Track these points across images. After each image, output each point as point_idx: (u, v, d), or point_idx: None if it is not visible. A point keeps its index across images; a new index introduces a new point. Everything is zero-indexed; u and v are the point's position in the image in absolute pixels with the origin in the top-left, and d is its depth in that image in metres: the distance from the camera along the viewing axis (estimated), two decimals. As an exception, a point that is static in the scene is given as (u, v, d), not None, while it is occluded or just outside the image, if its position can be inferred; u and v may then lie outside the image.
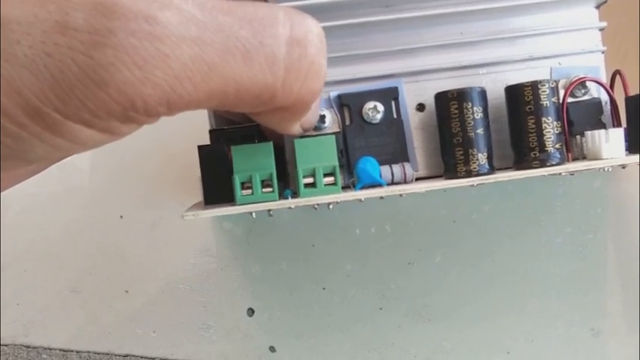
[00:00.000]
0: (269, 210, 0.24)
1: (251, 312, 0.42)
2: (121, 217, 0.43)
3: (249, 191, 0.24)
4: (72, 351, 0.43)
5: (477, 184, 0.24)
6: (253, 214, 0.24)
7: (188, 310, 0.42)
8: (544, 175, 0.27)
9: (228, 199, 0.25)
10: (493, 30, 0.27)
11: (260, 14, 0.18)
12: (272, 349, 0.41)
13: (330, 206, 0.24)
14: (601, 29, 0.28)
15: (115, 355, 0.42)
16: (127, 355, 0.43)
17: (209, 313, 0.42)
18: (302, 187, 0.24)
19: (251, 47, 0.18)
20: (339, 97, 0.26)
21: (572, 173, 0.26)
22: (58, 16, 0.16)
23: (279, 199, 0.24)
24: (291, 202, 0.24)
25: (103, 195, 0.43)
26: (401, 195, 0.25)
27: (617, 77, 0.28)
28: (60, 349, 0.43)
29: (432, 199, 0.41)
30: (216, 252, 0.42)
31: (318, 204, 0.24)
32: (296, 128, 0.22)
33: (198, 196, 0.40)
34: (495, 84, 0.27)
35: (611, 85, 0.28)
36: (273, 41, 0.18)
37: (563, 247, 0.40)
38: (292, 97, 0.19)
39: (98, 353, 0.43)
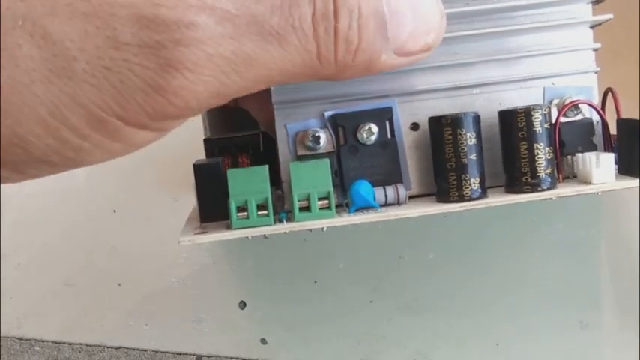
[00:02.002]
0: (265, 236, 0.25)
1: (243, 305, 0.43)
2: (115, 211, 0.44)
3: (245, 214, 0.25)
4: (64, 343, 0.44)
5: (470, 209, 0.26)
6: (249, 237, 0.25)
7: (180, 303, 0.44)
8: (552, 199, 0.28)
9: (224, 217, 0.26)
10: (487, 50, 0.28)
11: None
12: (263, 341, 0.43)
13: (324, 229, 0.25)
14: (595, 50, 0.28)
15: (108, 347, 0.44)
16: (119, 347, 0.44)
17: (201, 306, 0.44)
18: (297, 211, 0.25)
19: (284, 32, 0.19)
20: (334, 117, 0.27)
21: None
22: (107, 32, 0.18)
23: (275, 222, 0.25)
24: (285, 227, 0.25)
25: (97, 190, 0.44)
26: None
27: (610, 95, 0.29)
28: (52, 341, 0.44)
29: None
30: (208, 246, 0.44)
31: (312, 229, 0.26)
32: (387, 63, 0.22)
33: (191, 194, 0.41)
34: (489, 103, 0.28)
35: (603, 103, 0.29)
36: (303, 22, 0.19)
37: (555, 242, 0.42)
38: (333, 66, 0.21)
39: (90, 345, 0.44)
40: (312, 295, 0.43)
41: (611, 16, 0.27)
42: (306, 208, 0.26)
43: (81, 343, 0.44)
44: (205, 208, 0.26)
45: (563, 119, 0.28)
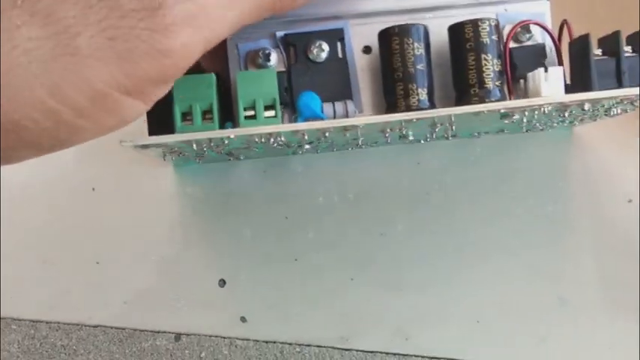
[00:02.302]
0: (210, 139, 0.26)
1: (222, 283, 0.43)
2: (93, 189, 0.44)
3: (190, 122, 0.25)
4: (42, 322, 0.44)
5: (417, 119, 0.26)
6: (194, 145, 0.26)
7: (159, 282, 0.44)
8: (501, 111, 0.28)
9: (172, 131, 0.26)
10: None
11: None
12: (243, 319, 0.43)
13: (271, 140, 0.25)
14: (547, -24, 0.29)
15: (86, 326, 0.44)
16: (97, 326, 0.44)
17: (180, 284, 0.43)
18: (242, 118, 0.26)
19: None
20: (285, 36, 0.28)
21: (510, 113, 0.27)
22: (111, 3, 0.18)
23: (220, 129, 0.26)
24: (230, 132, 0.25)
25: (76, 168, 0.45)
26: (346, 130, 0.27)
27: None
28: (30, 320, 0.44)
29: (393, 169, 0.43)
30: (188, 226, 0.44)
31: (262, 140, 0.26)
32: None
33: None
34: (441, 29, 0.29)
35: (560, 35, 0.29)
36: None
37: (528, 216, 0.41)
38: None
39: (68, 324, 0.44)
40: (292, 273, 0.43)
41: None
42: (252, 117, 0.26)
43: (59, 322, 0.44)
44: (153, 119, 0.27)
45: (515, 44, 0.28)
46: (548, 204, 0.43)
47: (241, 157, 0.42)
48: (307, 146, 0.34)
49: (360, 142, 0.37)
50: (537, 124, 0.37)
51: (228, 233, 0.44)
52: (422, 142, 0.40)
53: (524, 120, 0.31)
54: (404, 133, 0.33)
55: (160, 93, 0.21)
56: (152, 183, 0.45)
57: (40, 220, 0.44)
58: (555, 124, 0.39)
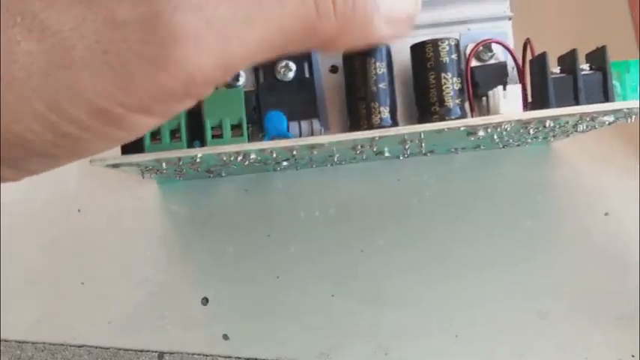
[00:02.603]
0: (179, 159, 0.27)
1: (205, 301, 0.44)
2: (79, 210, 0.45)
3: (159, 141, 0.26)
4: (27, 342, 0.45)
5: (380, 137, 0.26)
6: (163, 163, 0.27)
7: (143, 301, 0.44)
8: (460, 129, 0.29)
9: (142, 150, 0.27)
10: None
11: None
12: (225, 337, 0.43)
13: (239, 158, 0.26)
14: (507, -4, 0.30)
15: (70, 346, 0.44)
16: (82, 346, 0.44)
17: (164, 303, 0.44)
18: (209, 136, 0.27)
19: None
20: (253, 58, 0.29)
21: (475, 132, 0.28)
22: (105, 14, 0.18)
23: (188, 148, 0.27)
24: (197, 151, 0.26)
25: (61, 189, 0.45)
26: (312, 148, 0.27)
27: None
28: (15, 341, 0.44)
29: (373, 185, 0.43)
30: (172, 243, 0.44)
31: (229, 158, 0.27)
32: (379, 31, 0.22)
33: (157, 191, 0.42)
34: (406, 47, 0.29)
35: (524, 53, 0.30)
36: None
37: (507, 231, 0.42)
38: (333, 22, 0.20)
39: (53, 344, 0.44)
40: (274, 290, 0.44)
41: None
42: (219, 136, 0.27)
43: (44, 342, 0.45)
44: (125, 144, 0.27)
45: (478, 63, 0.29)
46: (526, 218, 0.43)
47: (223, 174, 0.43)
48: (285, 163, 0.35)
49: (335, 159, 0.38)
50: (511, 140, 0.38)
51: (211, 251, 0.44)
52: (401, 158, 0.40)
53: (495, 136, 0.32)
54: (375, 150, 0.34)
55: (175, 109, 0.20)
56: (137, 202, 0.46)
57: (26, 241, 0.45)
58: (530, 140, 0.40)
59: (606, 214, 0.43)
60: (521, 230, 0.43)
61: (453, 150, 0.42)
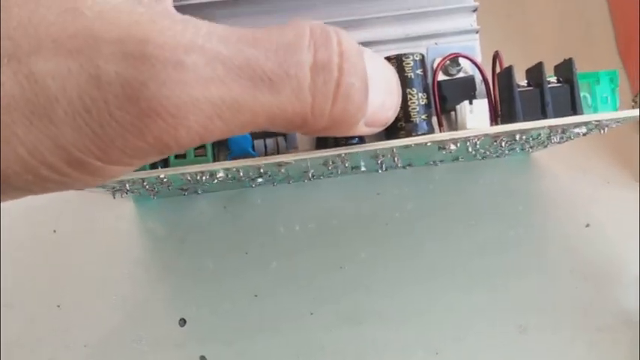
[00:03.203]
0: (143, 180, 0.26)
1: (183, 322, 0.43)
2: (54, 231, 0.45)
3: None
4: (3, 366, 0.44)
5: (346, 154, 0.26)
6: (127, 184, 0.26)
7: (120, 322, 0.44)
8: (427, 145, 0.29)
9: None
10: (370, 10, 0.29)
11: (285, 40, 0.19)
12: (203, 358, 0.43)
13: (205, 177, 0.26)
14: (474, 10, 0.30)
15: (46, 369, 0.44)
16: (57, 369, 0.44)
17: (141, 325, 0.44)
18: (172, 157, 0.26)
19: (277, 79, 0.19)
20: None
21: (445, 147, 0.28)
22: (90, 69, 0.17)
23: (151, 169, 0.26)
24: (159, 172, 0.26)
25: (36, 210, 0.45)
26: (280, 166, 0.27)
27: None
28: (-9, 364, 0.44)
29: (352, 199, 0.43)
30: (149, 263, 0.44)
31: (194, 181, 0.27)
32: (360, 130, 0.22)
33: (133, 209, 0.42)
34: (372, 63, 0.29)
35: (493, 67, 0.30)
36: (299, 70, 0.19)
37: (488, 243, 0.42)
38: (324, 120, 0.20)
39: (29, 368, 0.44)
40: (252, 309, 0.43)
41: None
42: (182, 156, 0.27)
43: (19, 366, 0.45)
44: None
45: (445, 77, 0.29)
46: (507, 230, 0.43)
47: (199, 192, 0.42)
48: (260, 180, 0.35)
49: (311, 174, 0.38)
50: (488, 152, 0.38)
51: (189, 270, 0.44)
52: (379, 171, 0.40)
53: (470, 149, 0.32)
54: (349, 165, 0.34)
55: (152, 161, 0.20)
56: (113, 221, 0.45)
57: (1, 263, 0.45)
58: (507, 152, 0.40)
59: (587, 225, 0.43)
60: (502, 243, 0.43)
61: (431, 163, 0.42)
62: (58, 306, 0.44)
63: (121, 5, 0.19)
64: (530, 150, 0.41)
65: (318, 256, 0.43)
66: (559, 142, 0.37)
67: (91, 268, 0.45)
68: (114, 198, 0.37)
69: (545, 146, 0.39)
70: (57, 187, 0.19)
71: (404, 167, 0.42)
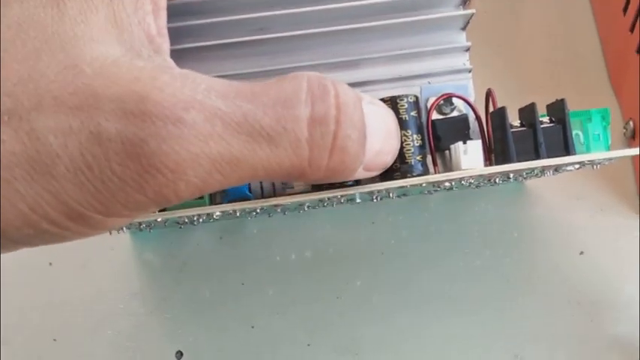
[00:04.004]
0: (140, 223, 0.27)
1: (179, 355, 0.43)
2: (50, 264, 0.45)
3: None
4: (-2, 401, 0.44)
5: (342, 196, 0.27)
6: (125, 229, 0.27)
7: (116, 356, 0.44)
8: (422, 187, 0.29)
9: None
10: (364, 51, 0.30)
11: (283, 95, 0.20)
12: (200, 390, 0.43)
13: (201, 220, 0.26)
14: (467, 49, 0.30)
15: (43, 404, 0.44)
16: (54, 404, 0.44)
17: (138, 358, 0.44)
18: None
19: (275, 134, 0.19)
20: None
21: (439, 186, 0.28)
22: (91, 126, 0.18)
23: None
24: (157, 215, 0.26)
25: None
26: (276, 208, 0.28)
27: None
28: (-14, 400, 0.44)
29: (348, 229, 0.44)
30: (145, 295, 0.44)
31: (188, 218, 0.27)
32: (357, 176, 0.23)
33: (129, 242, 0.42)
34: (366, 104, 0.30)
35: (486, 103, 0.31)
36: (296, 124, 0.20)
37: (483, 271, 0.42)
38: (321, 171, 0.21)
39: (25, 402, 0.44)
40: (249, 339, 0.44)
41: (473, 11, 0.29)
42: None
43: (15, 401, 0.45)
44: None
45: (439, 116, 0.30)
46: (502, 257, 0.44)
47: (195, 223, 0.42)
48: (255, 212, 0.35)
49: (306, 207, 0.38)
50: (482, 184, 0.39)
51: (186, 301, 0.44)
52: (374, 200, 0.41)
53: (463, 182, 0.32)
54: (342, 201, 0.34)
55: (151, 212, 0.20)
56: (109, 252, 0.46)
57: (-4, 296, 0.45)
58: (501, 182, 0.40)
59: (581, 252, 0.44)
60: (496, 270, 0.43)
61: (426, 192, 0.42)
62: (54, 340, 0.44)
63: (121, 60, 0.19)
64: (524, 180, 0.42)
65: (315, 286, 0.44)
66: (553, 174, 0.38)
67: (87, 301, 0.45)
68: (109, 234, 0.37)
69: (539, 177, 0.39)
70: (56, 240, 0.20)
71: (399, 196, 0.42)
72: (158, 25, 0.22)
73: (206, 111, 0.18)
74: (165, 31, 0.23)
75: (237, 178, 0.20)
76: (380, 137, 0.23)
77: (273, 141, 0.19)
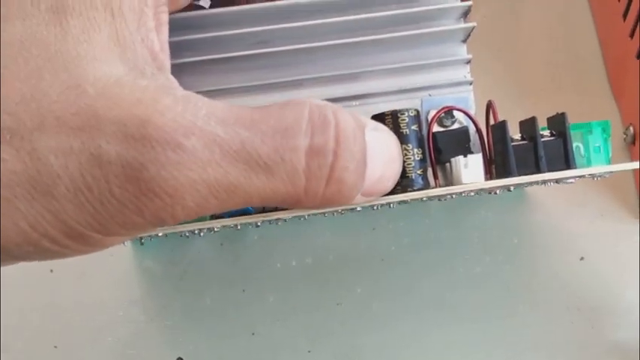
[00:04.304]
0: (141, 238, 0.27)
1: (180, 362, 0.44)
2: (51, 271, 0.45)
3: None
4: (-1, 408, 0.44)
5: (344, 210, 0.27)
6: (125, 243, 0.27)
7: (117, 363, 0.44)
8: (422, 200, 0.29)
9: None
10: (365, 63, 0.30)
11: (283, 125, 0.20)
12: (201, 398, 0.43)
13: (202, 233, 0.26)
14: (467, 62, 0.30)
15: (43, 412, 0.44)
16: (54, 411, 0.44)
17: (138, 365, 0.44)
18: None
19: (272, 164, 0.19)
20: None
21: (440, 199, 0.28)
22: (92, 148, 0.18)
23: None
24: (159, 231, 0.26)
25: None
26: (277, 222, 0.28)
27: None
28: (-14, 408, 0.44)
29: (348, 235, 0.44)
30: (146, 302, 0.44)
31: (189, 232, 0.27)
32: (355, 201, 0.23)
33: (128, 250, 0.42)
34: (368, 115, 0.30)
35: (487, 115, 0.31)
36: (294, 155, 0.20)
37: (483, 277, 0.42)
38: (318, 200, 0.21)
39: (26, 410, 0.44)
40: (250, 347, 0.44)
41: (474, 24, 0.29)
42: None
43: (16, 408, 0.45)
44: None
45: (440, 128, 0.30)
46: (502, 264, 0.44)
47: (196, 233, 0.43)
48: (258, 224, 0.35)
49: (306, 215, 0.38)
50: (481, 193, 0.39)
51: (186, 308, 0.44)
52: (374, 208, 0.41)
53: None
54: (341, 211, 0.34)
55: (148, 232, 0.22)
56: (109, 259, 0.46)
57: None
58: (501, 192, 0.40)
59: (582, 258, 0.44)
60: (497, 277, 0.43)
61: (425, 199, 0.42)
62: (55, 347, 0.44)
63: (124, 79, 0.19)
64: (524, 188, 0.42)
65: (316, 293, 0.44)
66: (553, 184, 0.38)
67: (87, 308, 0.45)
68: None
69: (540, 185, 0.39)
70: (55, 257, 0.20)
71: (399, 203, 0.42)
72: (161, 40, 0.22)
73: (205, 138, 0.18)
74: (167, 47, 0.23)
75: (233, 203, 0.20)
76: (381, 163, 0.23)
77: (270, 170, 0.19)
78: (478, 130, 0.29)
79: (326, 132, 0.20)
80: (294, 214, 0.27)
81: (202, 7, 0.31)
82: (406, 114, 0.27)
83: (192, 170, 0.18)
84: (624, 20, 0.42)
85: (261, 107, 0.20)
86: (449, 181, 0.29)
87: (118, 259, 0.45)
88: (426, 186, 0.28)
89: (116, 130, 0.18)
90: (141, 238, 0.28)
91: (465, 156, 0.28)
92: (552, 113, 0.29)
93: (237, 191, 0.19)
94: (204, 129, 0.19)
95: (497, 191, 0.31)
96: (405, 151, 0.27)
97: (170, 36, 0.24)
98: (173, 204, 0.19)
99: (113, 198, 0.18)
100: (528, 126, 0.28)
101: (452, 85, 0.30)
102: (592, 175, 0.29)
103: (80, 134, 0.18)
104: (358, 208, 0.35)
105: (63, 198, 0.18)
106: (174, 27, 0.26)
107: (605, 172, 0.28)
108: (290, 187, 0.20)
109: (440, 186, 0.29)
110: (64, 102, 0.18)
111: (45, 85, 0.18)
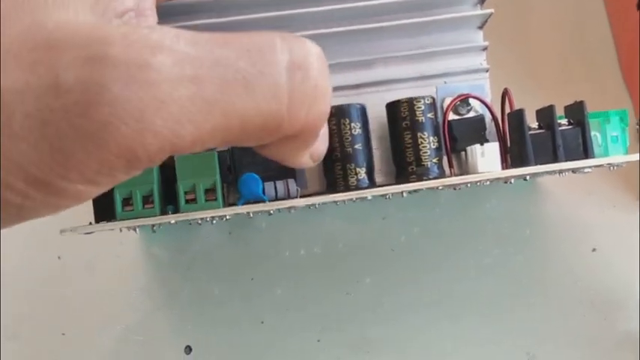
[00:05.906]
0: (153, 225, 0.26)
1: (189, 350, 0.43)
2: (59, 257, 0.45)
3: (131, 207, 0.26)
4: (8, 394, 0.44)
5: (357, 198, 0.26)
6: (137, 230, 0.26)
7: (125, 351, 0.44)
8: (436, 188, 0.29)
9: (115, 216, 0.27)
10: (380, 50, 0.29)
11: (257, 43, 0.18)
12: (209, 386, 0.43)
13: (214, 221, 0.26)
14: (484, 49, 0.30)
15: (51, 398, 0.44)
16: (62, 398, 0.44)
17: (147, 353, 0.44)
18: (183, 202, 0.26)
19: (251, 77, 0.17)
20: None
21: (455, 188, 0.28)
22: (49, 79, 0.16)
23: (161, 214, 0.26)
24: (171, 217, 0.26)
25: (41, 236, 0.45)
26: (290, 210, 0.27)
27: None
28: (-5, 393, 0.44)
29: (358, 224, 0.43)
30: (153, 290, 0.44)
31: (201, 220, 0.27)
32: (306, 159, 0.22)
33: (136, 238, 0.42)
34: (383, 102, 0.29)
35: (502, 103, 0.30)
36: (274, 68, 0.18)
37: (495, 268, 0.42)
38: (300, 123, 0.19)
39: (34, 396, 0.44)
40: (258, 335, 0.43)
41: (492, 10, 0.29)
42: (192, 200, 0.27)
43: (24, 394, 0.45)
44: (99, 205, 0.27)
45: (455, 116, 0.29)
46: (514, 255, 0.43)
47: (207, 219, 0.42)
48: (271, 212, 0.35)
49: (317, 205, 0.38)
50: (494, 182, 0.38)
51: (195, 297, 0.44)
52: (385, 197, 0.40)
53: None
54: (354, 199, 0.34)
55: (122, 179, 0.18)
56: (117, 247, 0.45)
57: (5, 289, 0.45)
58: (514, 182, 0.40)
59: (594, 249, 0.43)
60: (508, 268, 0.43)
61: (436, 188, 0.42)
62: (63, 334, 0.44)
63: (87, 17, 0.18)
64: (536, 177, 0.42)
65: (325, 282, 0.43)
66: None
67: (95, 296, 0.45)
68: (120, 231, 0.36)
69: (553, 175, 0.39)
70: (22, 213, 0.18)
71: (409, 192, 0.42)
72: (139, 4, 0.21)
73: (175, 55, 0.17)
74: (149, 13, 0.22)
75: (210, 128, 0.17)
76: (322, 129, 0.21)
77: (249, 85, 0.17)
78: (494, 119, 0.29)
79: (304, 48, 0.18)
80: (310, 202, 0.26)
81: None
82: (422, 102, 0.27)
83: (161, 90, 0.16)
84: (638, 11, 0.42)
85: (232, 33, 0.18)
86: (464, 169, 0.29)
87: (126, 247, 0.45)
88: (442, 175, 0.27)
89: (76, 56, 0.16)
90: (152, 225, 0.27)
91: (482, 144, 0.27)
92: (565, 103, 0.29)
93: (213, 111, 0.17)
94: (173, 48, 0.17)
95: (512, 180, 0.31)
96: (420, 140, 0.27)
97: (178, 21, 0.23)
98: (142, 130, 0.16)
99: (72, 130, 0.16)
100: (546, 114, 0.28)
101: (468, 72, 0.30)
102: (610, 165, 0.29)
103: (37, 68, 0.16)
104: (369, 197, 0.35)
105: (18, 137, 0.16)
106: (177, 12, 0.25)
107: (622, 162, 0.27)
108: (273, 104, 0.18)
109: (455, 175, 0.28)
110: (23, 40, 0.17)
111: (6, 28, 0.17)
